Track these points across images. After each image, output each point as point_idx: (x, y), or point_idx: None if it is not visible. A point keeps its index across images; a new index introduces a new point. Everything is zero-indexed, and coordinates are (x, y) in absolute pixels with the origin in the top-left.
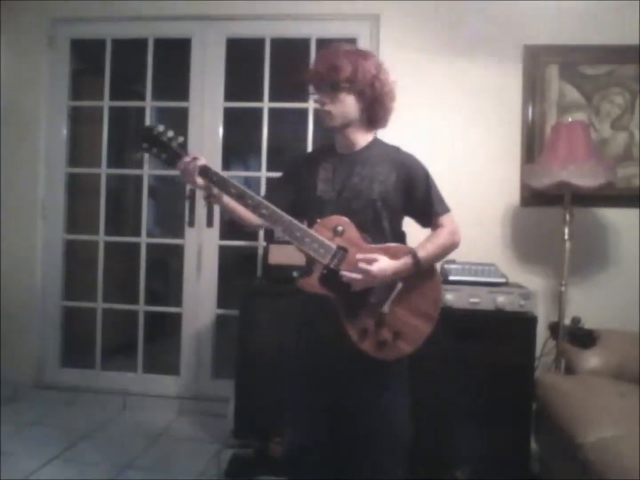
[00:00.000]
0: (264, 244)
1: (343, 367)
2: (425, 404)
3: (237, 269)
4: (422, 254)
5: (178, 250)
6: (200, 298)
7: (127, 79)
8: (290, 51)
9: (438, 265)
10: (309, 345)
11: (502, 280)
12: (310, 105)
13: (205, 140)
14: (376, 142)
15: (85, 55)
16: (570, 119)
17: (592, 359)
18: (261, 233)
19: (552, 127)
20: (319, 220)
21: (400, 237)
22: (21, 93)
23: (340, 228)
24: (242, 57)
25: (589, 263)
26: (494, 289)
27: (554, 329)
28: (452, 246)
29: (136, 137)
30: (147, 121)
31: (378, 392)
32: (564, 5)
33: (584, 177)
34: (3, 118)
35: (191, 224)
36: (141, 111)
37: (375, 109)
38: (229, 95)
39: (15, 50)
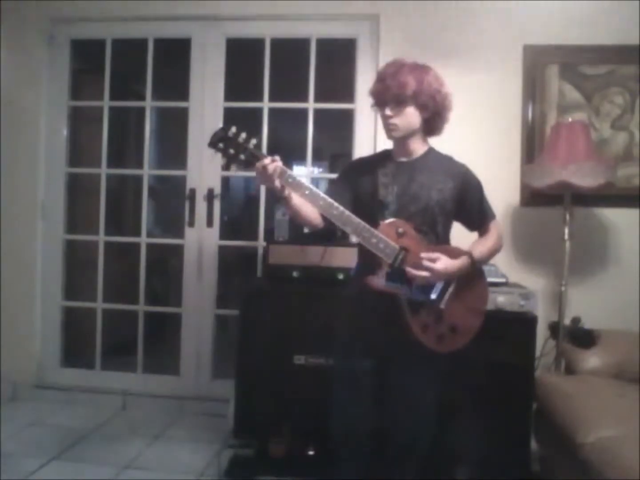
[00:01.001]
0: (264, 244)
1: (399, 358)
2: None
3: (237, 269)
4: (477, 254)
5: (178, 250)
6: (200, 298)
7: (127, 79)
8: (290, 51)
9: None
10: (366, 337)
11: (502, 280)
12: (311, 105)
13: (206, 140)
14: (432, 151)
15: (85, 55)
16: (570, 119)
17: (592, 359)
18: (261, 233)
19: (552, 127)
20: (382, 222)
21: (449, 241)
22: (21, 93)
23: (401, 230)
24: (242, 57)
25: (589, 263)
26: (494, 289)
27: (554, 329)
28: (499, 249)
29: (211, 139)
30: (147, 121)
31: (426, 383)
32: (564, 5)
33: (584, 177)
34: (3, 118)
35: (191, 224)
36: (141, 111)
37: (435, 120)
38: (229, 95)
39: (15, 50)
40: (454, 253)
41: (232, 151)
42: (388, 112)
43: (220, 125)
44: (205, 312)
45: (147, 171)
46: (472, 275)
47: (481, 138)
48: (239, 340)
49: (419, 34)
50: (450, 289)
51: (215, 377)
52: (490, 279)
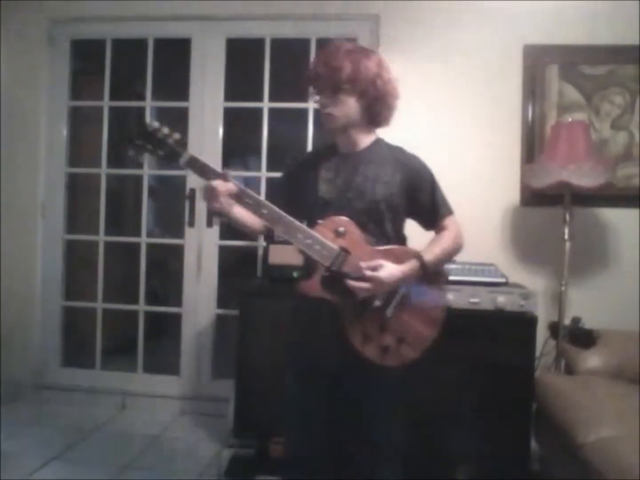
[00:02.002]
0: (264, 244)
1: (343, 370)
2: (425, 404)
3: (237, 269)
4: (428, 257)
5: (178, 250)
6: (200, 298)
7: (127, 79)
8: (290, 51)
9: None
10: (308, 348)
11: (502, 280)
12: (311, 105)
13: (205, 140)
14: (379, 142)
15: (85, 55)
16: (570, 119)
17: (592, 359)
18: None
19: (552, 127)
20: (320, 222)
21: (403, 240)
22: (21, 93)
23: (342, 229)
24: (242, 57)
25: (589, 263)
26: (494, 289)
27: (554, 329)
28: (456, 249)
29: (130, 134)
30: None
31: (377, 396)
32: (564, 5)
33: (584, 177)
34: (3, 118)
35: (191, 224)
36: (141, 111)
37: (378, 108)
38: (229, 95)
39: (15, 50)
40: (401, 256)
41: (150, 147)
42: (323, 100)
43: (219, 125)
44: (205, 312)
45: (147, 171)
46: (427, 280)
47: (481, 138)
48: (239, 340)
49: (419, 34)
50: (398, 296)
51: (215, 377)
52: (490, 279)
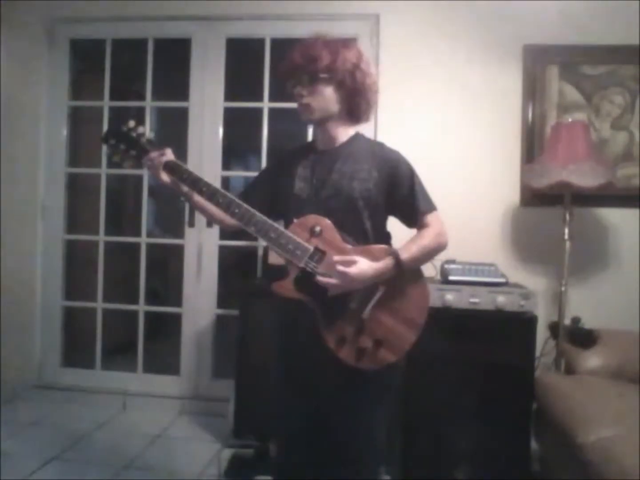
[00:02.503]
0: (264, 244)
1: (320, 374)
2: (425, 404)
3: (237, 269)
4: (404, 255)
5: (178, 250)
6: (200, 298)
7: (127, 79)
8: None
9: (438, 265)
10: (286, 351)
11: (502, 280)
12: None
13: (205, 140)
14: (358, 137)
15: (85, 55)
16: (570, 119)
17: (592, 359)
18: None
19: (552, 127)
20: (295, 221)
21: (385, 238)
22: (21, 93)
23: (317, 228)
24: (242, 57)
25: (589, 263)
26: (494, 289)
27: (554, 329)
28: (438, 247)
29: (105, 133)
30: (147, 121)
31: (355, 401)
32: (564, 5)
33: (584, 177)
34: (3, 118)
35: (191, 224)
36: (141, 111)
37: (356, 101)
38: (229, 95)
39: (15, 50)
40: (377, 254)
41: (123, 146)
42: (300, 90)
43: (219, 125)
44: (205, 312)
45: (147, 171)
46: (407, 280)
47: (481, 138)
48: (239, 340)
49: (418, 34)
50: (376, 297)
51: (215, 377)
52: (490, 279)
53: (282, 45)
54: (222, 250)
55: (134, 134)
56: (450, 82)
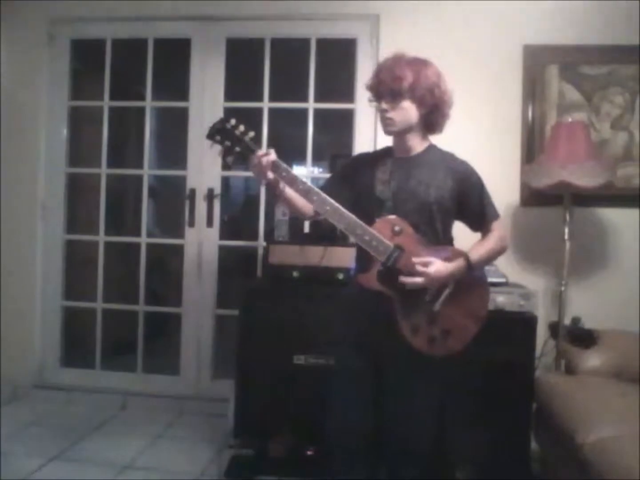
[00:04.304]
0: (264, 244)
1: (392, 359)
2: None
3: (237, 269)
4: (474, 257)
5: (178, 250)
6: (200, 298)
7: (127, 79)
8: (290, 51)
9: None
10: (359, 336)
11: (502, 280)
12: (310, 105)
13: (206, 140)
14: (432, 147)
15: (85, 55)
16: (570, 119)
17: (592, 359)
18: (261, 233)
19: (552, 127)
20: (377, 220)
21: (450, 240)
22: (21, 93)
23: (397, 228)
24: (242, 57)
25: (589, 263)
26: (494, 289)
27: (554, 329)
28: (501, 251)
29: (210, 130)
30: (147, 121)
31: (421, 386)
32: (564, 5)
33: (584, 177)
34: (3, 118)
35: (191, 224)
36: (141, 111)
37: (434, 116)
38: (229, 95)
39: (15, 50)
40: (451, 255)
41: (228, 143)
42: (384, 105)
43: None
44: (205, 312)
45: (147, 171)
46: (472, 278)
47: (481, 138)
48: (239, 340)
49: (418, 34)
50: (446, 291)
51: (215, 377)
52: (490, 279)
53: (282, 45)
54: (222, 250)
55: (237, 132)
56: (450, 82)
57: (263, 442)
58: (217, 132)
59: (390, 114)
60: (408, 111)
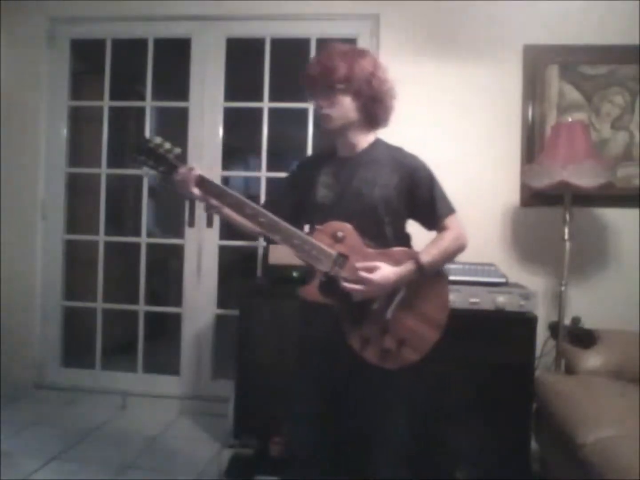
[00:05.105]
0: (264, 244)
1: (345, 375)
2: (425, 404)
3: (237, 269)
4: (425, 258)
5: (178, 250)
6: (200, 298)
7: (127, 79)
8: (290, 51)
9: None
10: (310, 352)
11: (502, 280)
12: (310, 105)
13: (205, 140)
14: (378, 143)
15: (85, 55)
16: (570, 119)
17: (592, 359)
18: None
19: (552, 127)
20: (318, 227)
21: (405, 240)
22: (21, 93)
23: (340, 234)
24: (242, 57)
25: (589, 263)
26: (494, 289)
27: (554, 329)
28: (458, 249)
29: (133, 150)
30: (147, 121)
31: (380, 401)
32: (564, 5)
33: (584, 177)
34: (3, 118)
35: (191, 224)
36: (141, 111)
37: (374, 109)
38: (229, 95)
39: (15, 50)
40: (399, 258)
41: (151, 162)
42: (319, 102)
43: (219, 125)
44: (205, 312)
45: (147, 171)
46: (429, 281)
47: (481, 138)
48: (239, 340)
49: (418, 34)
50: (398, 297)
51: (215, 377)
52: (490, 279)
53: (282, 45)
54: (222, 250)
55: (161, 150)
56: (451, 82)
57: (263, 442)
58: (141, 152)
59: (326, 111)
60: (345, 106)
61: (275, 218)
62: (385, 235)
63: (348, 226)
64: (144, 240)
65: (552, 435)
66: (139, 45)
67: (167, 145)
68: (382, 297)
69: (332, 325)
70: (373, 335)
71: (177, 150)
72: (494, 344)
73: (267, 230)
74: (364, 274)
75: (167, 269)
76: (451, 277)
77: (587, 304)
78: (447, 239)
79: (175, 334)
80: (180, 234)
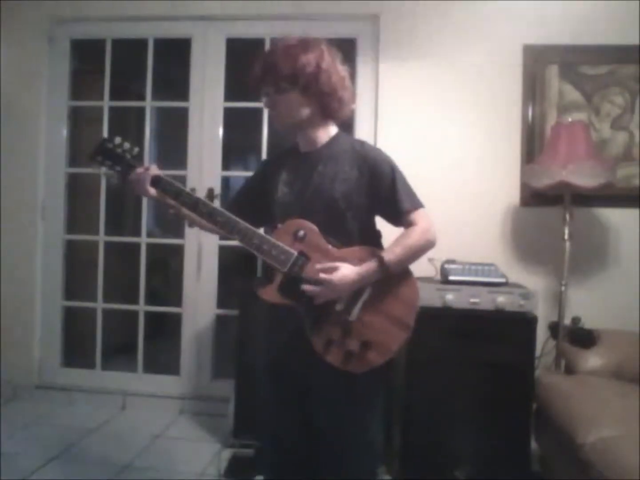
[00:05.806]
0: None
1: (308, 379)
2: (425, 404)
3: (237, 269)
4: (388, 257)
5: (178, 250)
6: (200, 298)
7: (127, 79)
8: None
9: (438, 265)
10: (273, 355)
11: (502, 280)
12: None
13: (205, 140)
14: (338, 137)
15: (85, 55)
16: (570, 119)
17: (592, 359)
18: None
19: (552, 127)
20: (279, 226)
21: (374, 237)
22: (21, 93)
23: (301, 233)
24: (242, 57)
25: (589, 263)
26: (494, 289)
27: (554, 329)
28: (425, 246)
29: (92, 151)
30: (147, 121)
31: (345, 405)
32: (564, 5)
33: (584, 177)
34: (3, 118)
35: (191, 224)
36: (141, 111)
37: (327, 102)
38: (229, 95)
39: (15, 50)
40: (362, 257)
41: (109, 162)
42: (266, 101)
43: (219, 125)
44: (205, 312)
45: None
46: (396, 280)
47: (481, 138)
48: (238, 340)
49: (418, 34)
50: (363, 298)
51: (215, 377)
52: (490, 279)
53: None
54: (222, 250)
55: (119, 150)
56: (451, 82)
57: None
58: (98, 153)
59: (272, 111)
60: (292, 104)
61: (234, 217)
62: (349, 232)
63: (309, 224)
64: (144, 240)
65: (552, 435)
66: (139, 45)
67: (127, 145)
68: (345, 298)
69: (294, 327)
70: (336, 337)
71: (136, 149)
72: (494, 344)
73: (226, 230)
74: (323, 275)
75: (167, 269)
76: (451, 277)
77: (587, 304)
78: (412, 236)
79: (175, 334)
80: (180, 234)
